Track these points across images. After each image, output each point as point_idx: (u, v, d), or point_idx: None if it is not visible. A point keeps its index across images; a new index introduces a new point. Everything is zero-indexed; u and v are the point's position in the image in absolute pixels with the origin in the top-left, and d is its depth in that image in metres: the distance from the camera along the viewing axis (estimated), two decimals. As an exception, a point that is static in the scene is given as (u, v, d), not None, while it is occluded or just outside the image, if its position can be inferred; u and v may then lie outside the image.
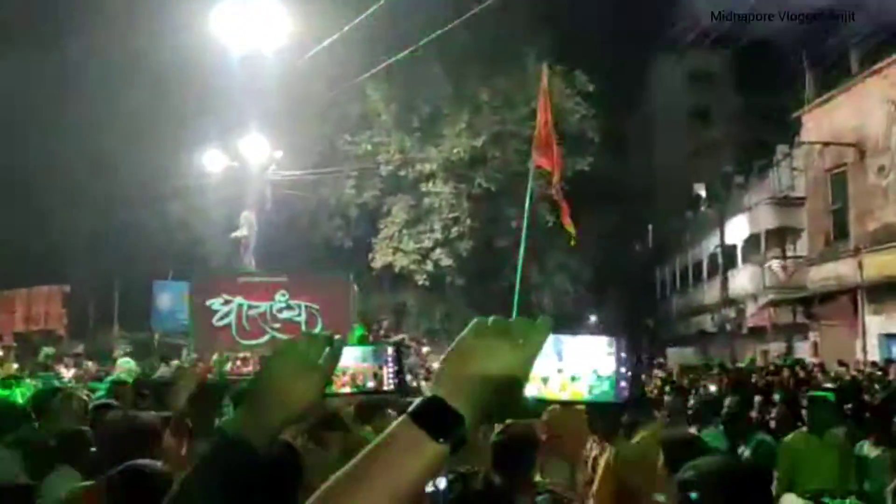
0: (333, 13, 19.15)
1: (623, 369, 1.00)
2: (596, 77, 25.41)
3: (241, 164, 20.52)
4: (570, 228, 9.19)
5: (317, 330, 11.18)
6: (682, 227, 34.50)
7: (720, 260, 28.23)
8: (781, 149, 25.63)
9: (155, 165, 23.34)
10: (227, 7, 17.36)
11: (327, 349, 1.15)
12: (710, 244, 29.81)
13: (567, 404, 1.09)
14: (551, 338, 1.00)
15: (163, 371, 14.87)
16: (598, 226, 27.76)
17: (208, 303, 10.77)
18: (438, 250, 24.93)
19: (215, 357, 9.55)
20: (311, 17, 19.00)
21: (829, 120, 21.23)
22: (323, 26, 18.46)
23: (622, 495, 2.25)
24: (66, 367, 17.83)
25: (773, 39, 28.30)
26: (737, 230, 27.48)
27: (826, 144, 21.13)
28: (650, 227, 37.93)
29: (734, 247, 27.83)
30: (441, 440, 0.88)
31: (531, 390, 1.01)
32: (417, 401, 0.93)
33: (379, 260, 25.32)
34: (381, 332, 19.79)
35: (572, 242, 9.37)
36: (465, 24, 17.73)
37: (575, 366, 1.02)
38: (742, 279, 27.23)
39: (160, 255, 24.49)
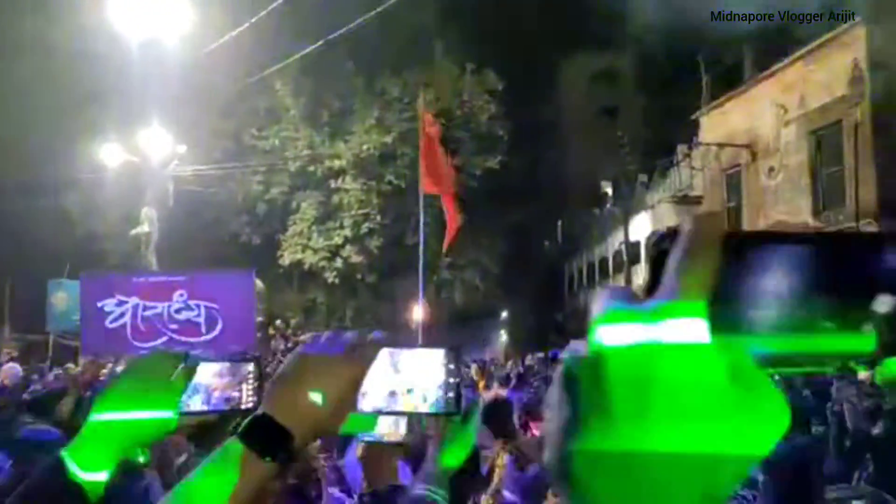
0: (240, 3, 18.70)
1: (451, 380, 1.01)
2: (505, 75, 25.75)
3: (141, 158, 19.81)
4: (446, 247, 9.56)
5: (217, 330, 10.92)
6: (589, 224, 35.35)
7: (625, 256, 29.08)
8: (682, 149, 26.54)
9: (47, 153, 22.28)
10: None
11: (180, 366, 1.14)
12: (616, 241, 30.67)
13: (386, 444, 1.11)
14: (386, 352, 1.01)
15: (53, 375, 14.24)
16: (507, 222, 28.17)
17: (100, 304, 10.29)
18: (349, 247, 24.76)
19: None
20: (217, 6, 18.51)
21: (724, 122, 22.15)
22: (229, 17, 18.03)
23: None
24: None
25: (675, 42, 29.27)
26: (641, 228, 28.35)
27: (721, 146, 22.04)
28: (559, 223, 38.69)
29: (638, 244, 28.70)
30: (268, 458, 0.87)
31: (373, 402, 1.02)
32: (246, 420, 0.92)
33: (287, 257, 24.95)
34: (289, 330, 19.52)
35: (447, 259, 9.68)
36: (375, 18, 17.63)
37: (410, 379, 1.02)
38: (645, 275, 28.09)
39: (55, 252, 23.37)
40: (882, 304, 0.44)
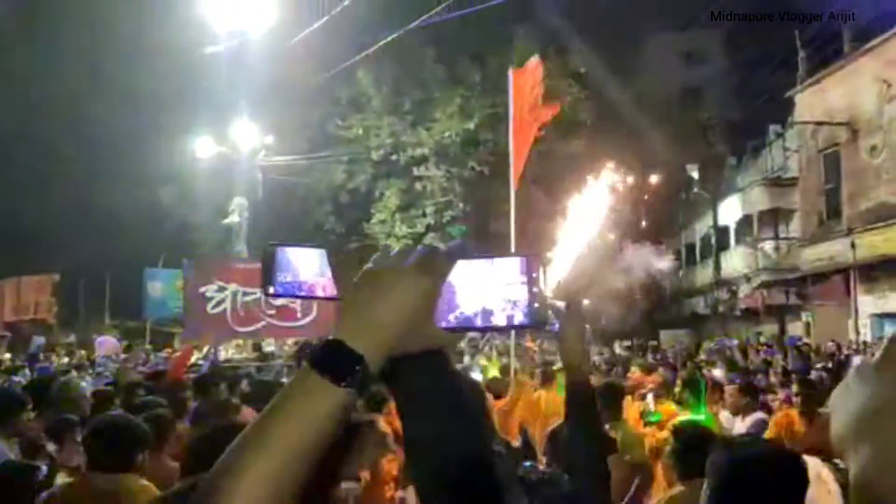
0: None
1: (534, 289, 0.94)
2: (587, 58, 25.30)
3: (231, 149, 20.36)
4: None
5: (313, 314, 11.07)
6: (675, 209, 34.48)
7: (713, 241, 28.25)
8: (774, 129, 25.59)
9: (145, 149, 23.15)
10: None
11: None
12: (704, 226, 29.82)
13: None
14: (464, 263, 0.94)
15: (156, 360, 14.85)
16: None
17: (202, 290, 10.61)
18: (432, 234, 24.84)
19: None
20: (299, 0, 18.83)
21: (821, 100, 21.19)
22: (311, 9, 18.29)
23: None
24: (58, 356, 17.79)
25: (767, 18, 28.17)
26: (730, 211, 27.48)
27: (819, 124, 21.10)
28: (643, 209, 37.87)
29: (727, 228, 27.85)
30: (342, 384, 0.83)
31: (452, 317, 0.95)
32: (316, 346, 0.89)
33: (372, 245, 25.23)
34: None
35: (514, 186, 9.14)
36: (454, 6, 17.60)
37: (490, 290, 0.95)
38: (735, 261, 27.26)
39: (151, 242, 24.32)
40: None
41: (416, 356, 0.91)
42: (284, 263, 1.09)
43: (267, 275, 1.09)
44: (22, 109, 23.21)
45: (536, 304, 0.94)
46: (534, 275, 0.94)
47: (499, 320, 0.95)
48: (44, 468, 3.58)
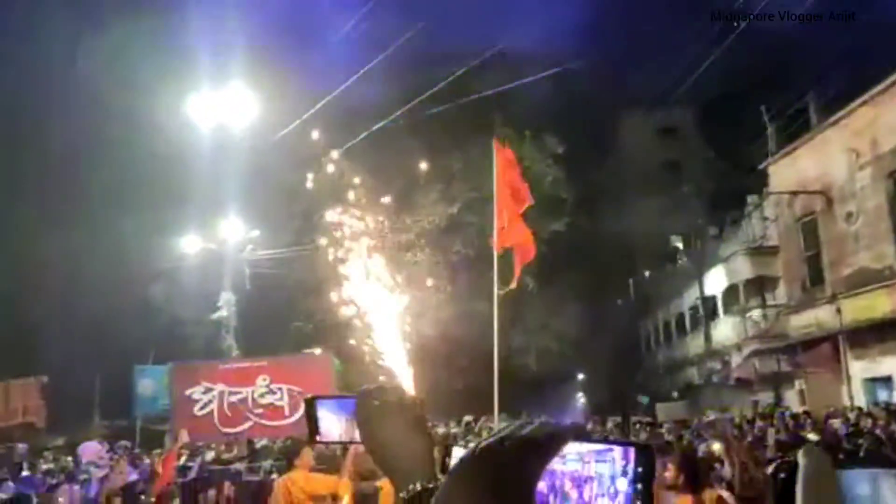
0: (300, 93, 19.52)
1: (639, 486, 0.89)
2: (566, 137, 25.91)
3: (217, 245, 20.57)
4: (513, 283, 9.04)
5: (300, 413, 11.03)
6: (662, 280, 34.75)
7: (701, 311, 28.37)
8: (752, 199, 26.04)
9: (134, 249, 23.31)
10: (198, 95, 17.68)
11: None
12: (691, 296, 30.00)
13: None
14: (574, 445, 0.93)
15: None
16: (578, 284, 27.90)
17: (188, 392, 10.61)
18: (420, 319, 24.85)
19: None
20: (277, 99, 19.37)
21: (794, 170, 21.68)
22: (290, 106, 18.81)
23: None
24: (46, 461, 17.44)
25: (735, 94, 29.07)
26: (715, 281, 27.70)
27: (794, 193, 21.52)
28: (631, 281, 38.14)
29: (714, 298, 28.01)
30: None
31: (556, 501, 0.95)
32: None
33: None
34: None
35: (512, 285, 9.11)
36: (433, 96, 18.14)
37: (596, 477, 0.93)
38: (725, 329, 27.33)
39: (141, 340, 24.23)
40: None
41: None
42: (323, 415, 1.36)
43: (312, 425, 1.36)
44: (11, 212, 23.48)
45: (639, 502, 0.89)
46: (639, 469, 0.89)
47: None
48: None
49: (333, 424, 1.37)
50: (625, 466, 0.89)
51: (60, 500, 5.85)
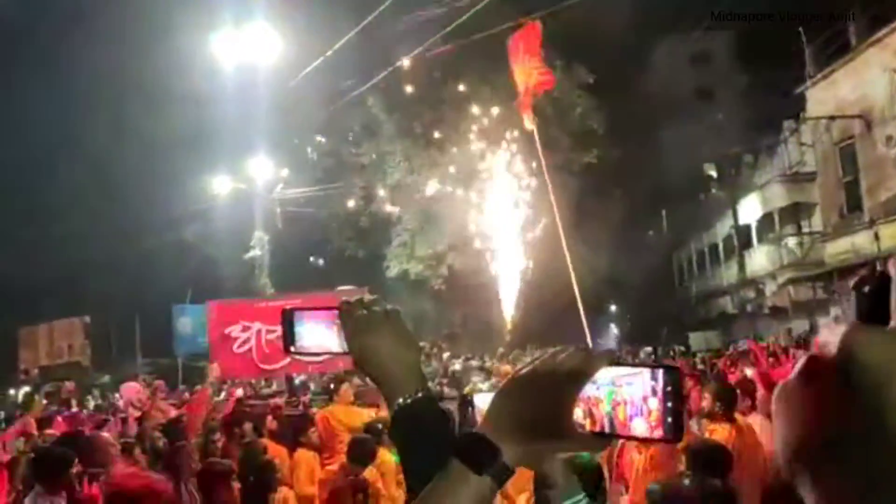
0: (325, 25, 19.21)
1: (670, 404, 0.94)
2: (596, 67, 25.33)
3: (248, 185, 20.68)
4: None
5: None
6: (695, 210, 34.27)
7: (735, 241, 28.05)
8: (788, 125, 25.40)
9: (166, 192, 23.58)
10: (222, 33, 17.53)
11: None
12: (725, 226, 29.61)
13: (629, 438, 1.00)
14: (606, 370, 0.97)
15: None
16: (610, 216, 27.64)
17: (227, 330, 10.81)
18: (451, 253, 24.96)
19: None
20: (303, 35, 19.12)
21: (832, 93, 21.05)
22: (315, 40, 18.57)
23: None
24: (94, 398, 18.09)
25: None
26: (750, 210, 27.26)
27: (832, 118, 20.95)
28: (664, 212, 37.69)
29: (748, 226, 27.62)
30: (482, 473, 0.94)
31: (593, 424, 0.98)
32: (462, 437, 1.00)
33: (394, 268, 25.39)
34: (434, 350, 19.80)
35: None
36: (456, 28, 17.79)
37: (628, 400, 0.96)
38: (759, 259, 27.03)
39: (178, 280, 24.68)
40: None
41: None
42: (301, 329, 1.38)
43: (286, 338, 1.40)
44: (49, 159, 23.86)
45: (670, 419, 0.94)
46: (669, 388, 0.94)
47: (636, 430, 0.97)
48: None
49: (311, 337, 1.39)
50: (654, 387, 0.94)
51: (107, 435, 6.08)
